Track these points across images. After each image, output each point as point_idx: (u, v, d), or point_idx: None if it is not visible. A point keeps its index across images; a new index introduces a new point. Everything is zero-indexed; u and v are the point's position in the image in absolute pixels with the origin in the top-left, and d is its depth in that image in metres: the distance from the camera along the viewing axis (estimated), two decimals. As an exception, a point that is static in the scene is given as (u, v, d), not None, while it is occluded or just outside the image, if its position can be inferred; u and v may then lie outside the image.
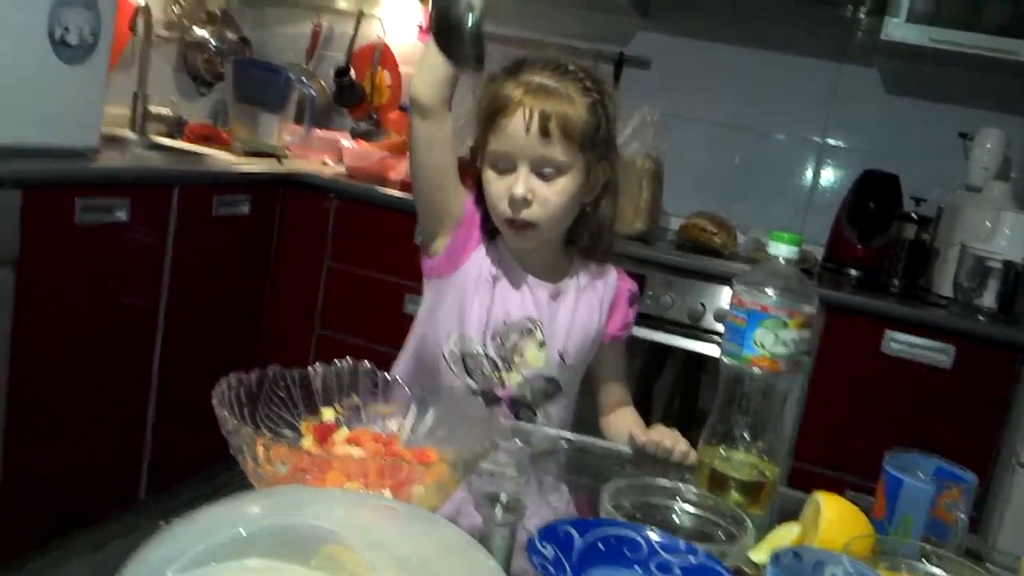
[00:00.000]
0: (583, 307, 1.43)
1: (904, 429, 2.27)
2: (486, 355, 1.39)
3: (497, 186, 1.33)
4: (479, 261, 1.40)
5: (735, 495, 1.05)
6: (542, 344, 1.40)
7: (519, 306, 1.40)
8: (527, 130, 1.29)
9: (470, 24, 1.16)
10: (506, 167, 1.32)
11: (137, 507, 2.43)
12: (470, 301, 1.39)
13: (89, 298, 2.14)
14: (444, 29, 1.21)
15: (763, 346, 1.03)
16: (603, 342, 1.47)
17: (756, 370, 1.04)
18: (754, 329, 1.02)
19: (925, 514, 0.93)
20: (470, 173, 1.41)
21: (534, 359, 1.40)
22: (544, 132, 1.29)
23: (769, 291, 1.03)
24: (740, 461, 1.07)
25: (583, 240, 1.42)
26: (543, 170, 1.31)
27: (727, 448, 1.08)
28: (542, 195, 1.31)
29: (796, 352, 1.04)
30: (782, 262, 1.04)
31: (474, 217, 1.40)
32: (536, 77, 1.32)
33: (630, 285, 1.50)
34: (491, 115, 1.32)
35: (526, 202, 1.30)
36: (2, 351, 1.90)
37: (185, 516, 0.61)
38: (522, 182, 1.30)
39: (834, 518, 0.90)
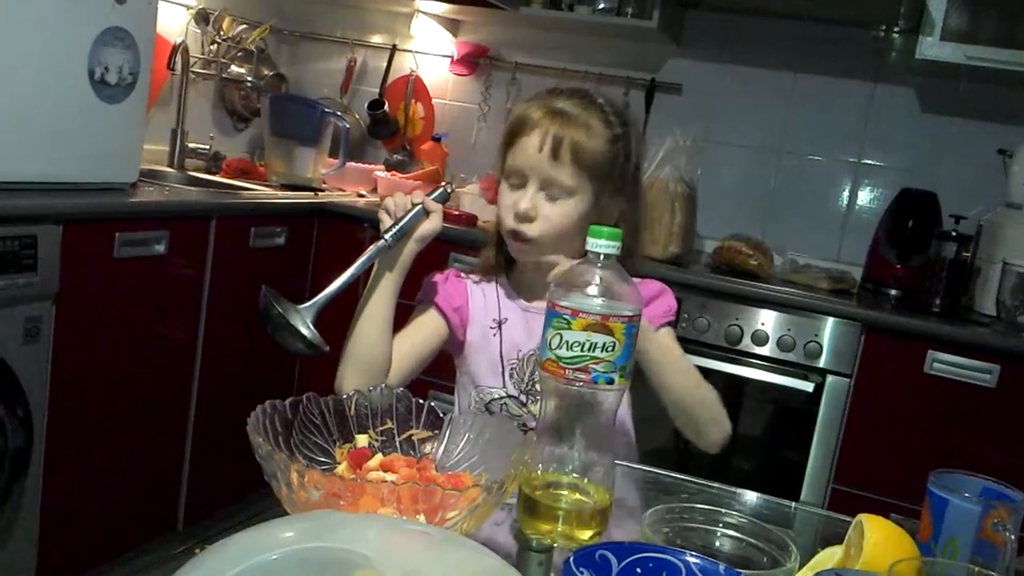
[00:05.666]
0: None
1: (949, 450, 2.22)
2: (509, 396, 1.41)
3: (506, 199, 1.36)
4: (477, 320, 1.43)
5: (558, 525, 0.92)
6: None
7: (527, 338, 1.42)
8: (539, 149, 1.31)
9: (290, 322, 1.20)
10: (518, 183, 1.35)
11: (175, 536, 2.44)
12: (478, 356, 1.42)
13: (128, 330, 2.17)
14: (267, 325, 1.22)
15: (551, 348, 0.92)
16: None
17: (545, 375, 0.93)
18: (547, 329, 0.93)
19: (972, 535, 0.90)
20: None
21: None
22: (555, 154, 1.31)
23: (559, 288, 0.93)
24: (563, 484, 0.93)
25: None
26: (551, 190, 1.33)
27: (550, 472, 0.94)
28: (544, 213, 1.33)
29: (586, 358, 0.91)
30: (597, 258, 0.93)
31: (454, 298, 1.42)
32: (559, 103, 1.34)
33: (648, 290, 1.44)
34: (511, 133, 1.35)
35: (528, 217, 1.33)
36: (42, 383, 1.93)
37: (218, 542, 0.61)
38: (528, 198, 1.33)
39: (879, 540, 0.87)
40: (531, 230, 1.33)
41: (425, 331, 1.41)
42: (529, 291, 1.45)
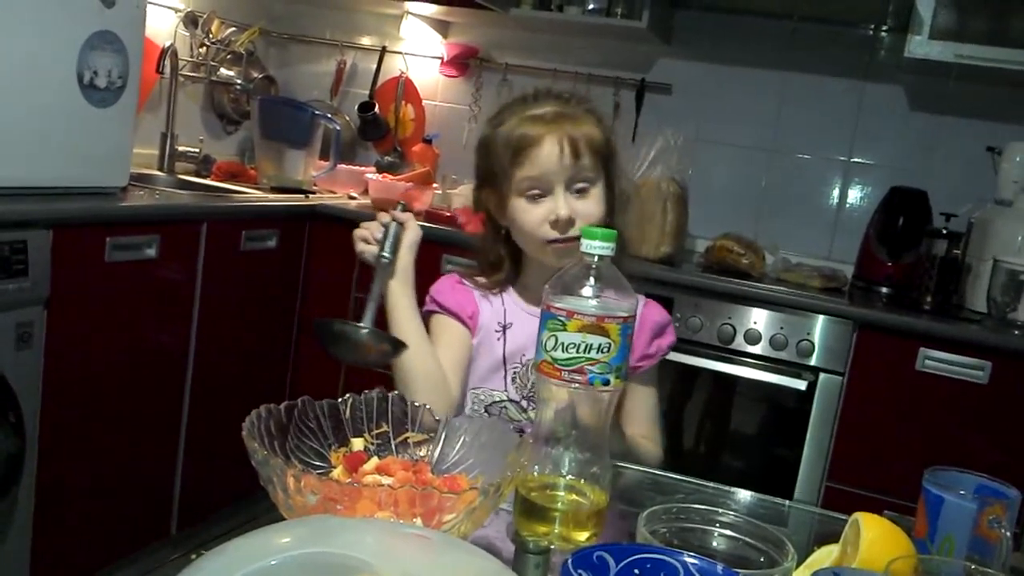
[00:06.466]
0: None
1: (942, 447, 2.23)
2: (509, 400, 1.41)
3: (535, 213, 1.36)
4: (484, 324, 1.44)
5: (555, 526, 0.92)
6: None
7: (531, 342, 1.40)
8: (560, 153, 1.33)
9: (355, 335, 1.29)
10: (540, 192, 1.35)
11: (168, 542, 2.43)
12: (480, 358, 1.43)
13: (120, 334, 2.16)
14: (335, 346, 1.32)
15: (546, 349, 0.92)
16: None
17: (541, 376, 0.93)
18: (542, 330, 0.93)
19: (968, 532, 0.91)
20: (478, 216, 1.47)
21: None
22: (575, 154, 1.34)
23: (555, 288, 0.93)
24: (559, 486, 0.94)
25: None
26: (576, 187, 1.35)
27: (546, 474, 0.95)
28: (581, 210, 1.35)
29: (581, 359, 0.91)
30: (592, 259, 0.93)
31: (466, 306, 1.44)
32: (548, 107, 1.38)
33: (656, 315, 1.48)
34: (517, 151, 1.35)
35: (571, 222, 1.34)
36: (34, 388, 1.92)
37: (216, 548, 0.61)
38: (564, 203, 1.34)
39: (875, 538, 0.87)
40: (575, 230, 1.35)
41: (456, 342, 1.42)
42: (537, 297, 1.44)
